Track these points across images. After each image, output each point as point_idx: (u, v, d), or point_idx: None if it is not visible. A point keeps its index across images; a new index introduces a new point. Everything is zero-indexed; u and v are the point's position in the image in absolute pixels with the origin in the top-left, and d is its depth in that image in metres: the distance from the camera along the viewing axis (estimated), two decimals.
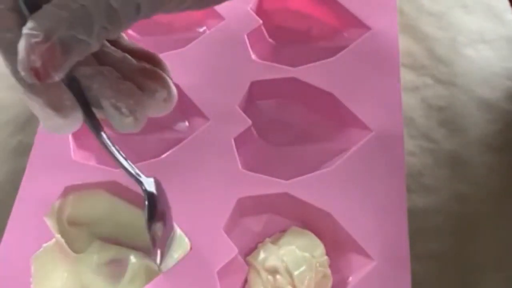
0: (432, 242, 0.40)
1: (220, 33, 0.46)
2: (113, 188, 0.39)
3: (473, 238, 0.40)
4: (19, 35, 0.26)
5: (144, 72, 0.30)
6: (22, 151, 0.43)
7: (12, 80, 0.27)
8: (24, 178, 0.39)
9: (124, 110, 0.28)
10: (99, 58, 0.30)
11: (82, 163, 0.40)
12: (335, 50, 0.45)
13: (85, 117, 0.29)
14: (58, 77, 0.26)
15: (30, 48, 0.25)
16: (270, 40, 0.48)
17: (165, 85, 0.30)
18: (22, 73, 0.26)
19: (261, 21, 0.46)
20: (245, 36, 0.45)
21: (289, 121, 0.44)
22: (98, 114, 0.29)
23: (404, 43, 0.49)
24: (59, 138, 0.41)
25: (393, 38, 0.45)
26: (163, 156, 0.40)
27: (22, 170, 0.39)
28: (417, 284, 0.36)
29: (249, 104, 0.43)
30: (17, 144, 0.44)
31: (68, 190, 0.39)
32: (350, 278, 0.36)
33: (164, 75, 0.30)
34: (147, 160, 0.39)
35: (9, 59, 0.27)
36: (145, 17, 0.28)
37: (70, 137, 0.41)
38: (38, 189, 0.38)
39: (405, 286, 0.35)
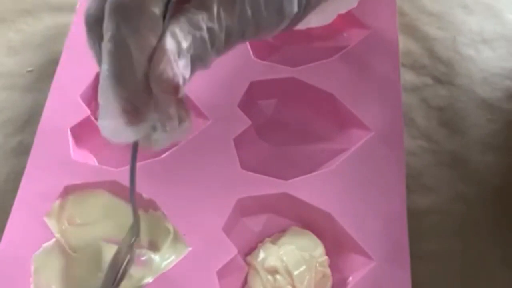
0: (432, 242, 0.40)
1: None
2: (113, 188, 0.39)
3: (473, 238, 0.40)
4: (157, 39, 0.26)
5: (178, 99, 0.29)
6: (22, 151, 0.43)
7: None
8: (24, 178, 0.39)
9: (159, 125, 0.28)
10: None
11: (82, 163, 0.40)
12: (335, 50, 0.45)
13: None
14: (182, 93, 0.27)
15: (173, 64, 0.25)
16: (270, 40, 0.47)
17: (189, 116, 0.30)
18: (154, 83, 0.26)
19: None
20: None
21: (289, 121, 0.44)
22: None
23: (404, 43, 0.49)
24: (59, 138, 0.41)
25: (393, 38, 0.45)
26: (163, 156, 0.40)
27: (22, 170, 0.39)
28: (417, 284, 0.36)
29: (249, 104, 0.43)
30: (17, 144, 0.44)
31: (68, 190, 0.39)
32: (350, 278, 0.36)
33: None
34: (147, 160, 0.39)
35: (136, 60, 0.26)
36: (243, 42, 0.29)
37: (69, 136, 0.41)
38: (38, 189, 0.38)
39: (405, 286, 0.35)
